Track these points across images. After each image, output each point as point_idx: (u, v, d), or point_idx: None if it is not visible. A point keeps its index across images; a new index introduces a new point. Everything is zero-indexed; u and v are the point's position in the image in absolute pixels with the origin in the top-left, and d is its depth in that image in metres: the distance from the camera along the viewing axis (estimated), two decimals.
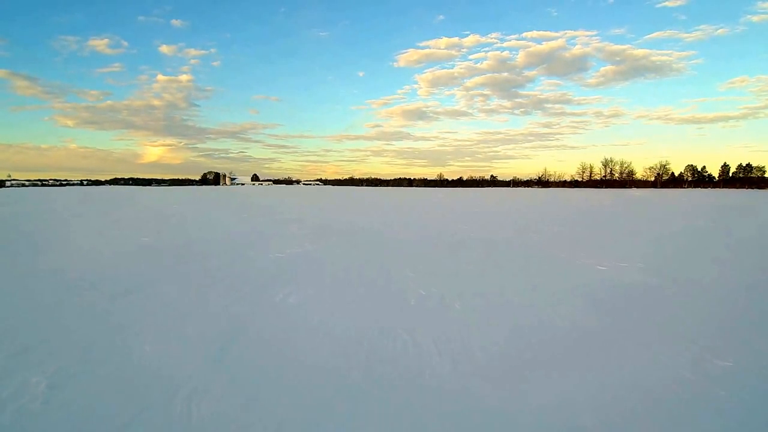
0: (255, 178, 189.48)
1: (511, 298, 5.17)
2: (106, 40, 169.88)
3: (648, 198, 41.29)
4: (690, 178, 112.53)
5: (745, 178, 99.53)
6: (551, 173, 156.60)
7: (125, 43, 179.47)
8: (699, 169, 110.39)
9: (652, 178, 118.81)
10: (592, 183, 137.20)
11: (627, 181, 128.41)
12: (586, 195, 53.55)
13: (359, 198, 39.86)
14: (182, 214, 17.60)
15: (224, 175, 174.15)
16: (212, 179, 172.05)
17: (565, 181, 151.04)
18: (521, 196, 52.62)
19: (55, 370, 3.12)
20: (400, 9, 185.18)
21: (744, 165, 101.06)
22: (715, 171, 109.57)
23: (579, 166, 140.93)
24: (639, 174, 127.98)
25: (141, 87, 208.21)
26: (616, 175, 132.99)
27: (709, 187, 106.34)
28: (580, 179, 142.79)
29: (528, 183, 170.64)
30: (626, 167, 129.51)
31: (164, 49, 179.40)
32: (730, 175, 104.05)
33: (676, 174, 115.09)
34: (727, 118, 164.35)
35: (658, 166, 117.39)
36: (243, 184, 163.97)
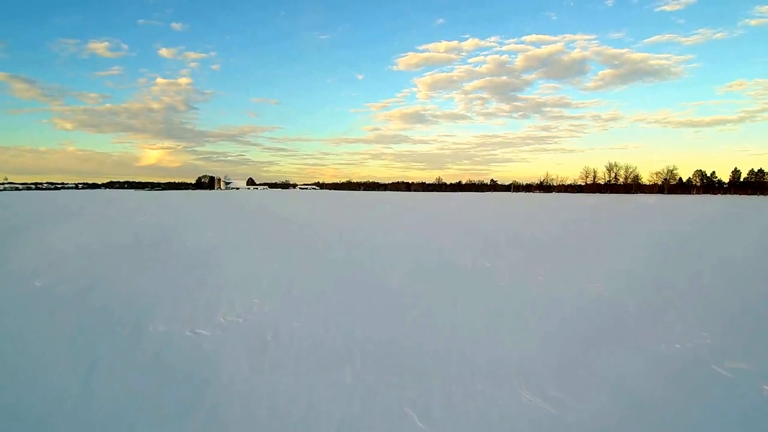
0: (251, 182, 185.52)
1: None
2: (105, 43, 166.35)
3: (682, 206, 37.57)
4: (698, 184, 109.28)
5: (757, 183, 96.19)
6: (553, 177, 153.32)
7: (125, 46, 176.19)
8: (708, 175, 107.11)
9: (660, 182, 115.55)
10: (596, 187, 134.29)
11: (632, 185, 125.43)
12: (601, 202, 50.03)
13: (354, 205, 36.07)
14: (138, 224, 13.91)
15: (219, 179, 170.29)
16: (207, 183, 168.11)
17: (569, 185, 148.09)
18: (531, 202, 49.00)
19: None
20: (400, 12, 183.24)
21: (756, 170, 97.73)
22: (723, 176, 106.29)
23: (582, 171, 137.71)
24: (645, 179, 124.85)
25: (140, 90, 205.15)
26: (621, 179, 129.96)
27: (719, 193, 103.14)
28: (583, 183, 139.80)
29: (529, 187, 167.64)
30: (631, 172, 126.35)
31: (164, 52, 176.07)
32: (741, 180, 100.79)
33: (684, 179, 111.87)
34: (724, 122, 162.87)
35: (665, 171, 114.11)
36: (238, 188, 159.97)
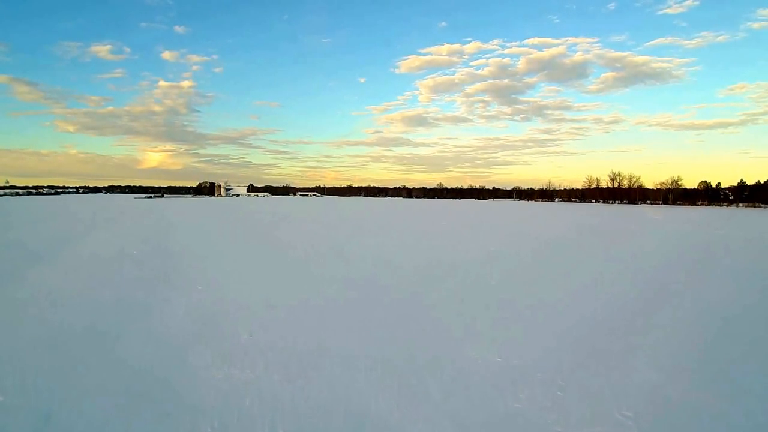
0: (251, 188, 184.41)
1: None
2: (108, 46, 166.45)
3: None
4: (702, 189, 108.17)
5: (763, 192, 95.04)
6: (556, 185, 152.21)
7: (127, 49, 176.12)
8: (714, 186, 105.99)
9: (664, 189, 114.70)
10: (598, 193, 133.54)
11: (636, 192, 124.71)
12: (620, 214, 48.97)
13: (353, 226, 35.07)
14: (123, 271, 13.06)
15: (219, 186, 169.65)
16: (207, 189, 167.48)
17: (572, 189, 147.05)
18: (545, 213, 47.98)
19: None
20: (402, 16, 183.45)
21: (762, 182, 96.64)
22: (725, 180, 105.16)
23: (585, 179, 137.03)
24: (648, 187, 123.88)
25: (142, 93, 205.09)
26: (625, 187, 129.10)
27: (725, 204, 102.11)
28: (586, 189, 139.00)
29: (530, 193, 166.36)
30: (635, 181, 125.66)
31: (166, 55, 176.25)
32: (747, 186, 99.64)
33: (688, 186, 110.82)
34: (726, 125, 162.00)
35: (670, 182, 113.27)
36: (238, 195, 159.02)
